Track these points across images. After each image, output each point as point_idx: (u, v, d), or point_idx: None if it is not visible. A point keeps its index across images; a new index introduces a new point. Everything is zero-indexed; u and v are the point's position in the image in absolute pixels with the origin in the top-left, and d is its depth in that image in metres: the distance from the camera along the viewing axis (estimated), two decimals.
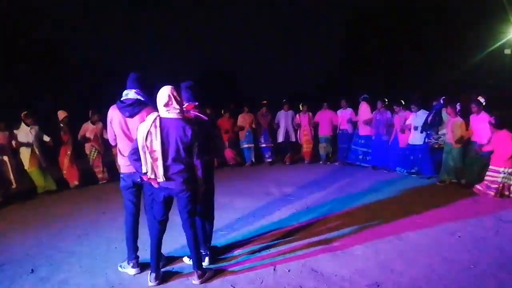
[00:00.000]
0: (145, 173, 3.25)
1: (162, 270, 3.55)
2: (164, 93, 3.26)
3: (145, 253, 3.72)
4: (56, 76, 15.94)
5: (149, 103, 3.56)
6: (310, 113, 9.55)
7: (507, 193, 5.74)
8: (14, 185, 7.00)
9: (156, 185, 3.31)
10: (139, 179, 3.49)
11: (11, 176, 6.97)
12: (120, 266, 3.70)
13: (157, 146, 3.18)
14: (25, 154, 7.14)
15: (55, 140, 7.52)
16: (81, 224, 5.25)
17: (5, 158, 6.93)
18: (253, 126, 9.53)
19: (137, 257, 3.67)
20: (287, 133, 9.58)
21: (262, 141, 9.69)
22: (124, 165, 3.59)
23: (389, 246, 4.02)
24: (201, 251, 3.60)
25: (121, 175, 3.65)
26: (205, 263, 3.68)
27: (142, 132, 3.21)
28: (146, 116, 3.40)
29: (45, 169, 7.35)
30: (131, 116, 3.48)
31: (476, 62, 14.48)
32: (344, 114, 9.17)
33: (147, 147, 3.19)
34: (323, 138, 9.45)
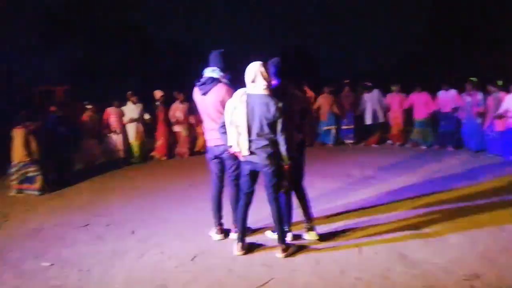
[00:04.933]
0: (231, 146, 3.37)
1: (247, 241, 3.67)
2: (251, 69, 3.29)
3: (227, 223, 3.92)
4: (143, 58, 16.99)
5: (225, 79, 3.62)
6: (402, 94, 8.86)
7: None
8: (122, 155, 7.95)
9: (242, 159, 3.41)
10: (220, 153, 3.65)
11: (121, 147, 7.92)
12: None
13: (242, 121, 3.25)
14: (130, 129, 8.02)
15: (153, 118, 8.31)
16: (172, 194, 5.68)
17: (117, 131, 7.89)
18: (335, 107, 9.19)
19: (221, 224, 3.89)
20: (374, 114, 9.08)
21: (345, 122, 9.35)
22: (207, 138, 3.82)
23: (490, 237, 3.65)
24: (285, 228, 3.62)
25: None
26: (288, 239, 3.71)
27: (229, 107, 3.32)
28: (218, 93, 3.53)
29: (143, 144, 8.22)
30: (205, 93, 3.62)
31: None
32: (446, 97, 8.24)
33: (233, 122, 3.28)
34: (418, 122, 8.67)
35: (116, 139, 7.90)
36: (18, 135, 5.91)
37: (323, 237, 3.72)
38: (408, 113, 8.94)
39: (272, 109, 3.20)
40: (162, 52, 17.07)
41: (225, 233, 3.89)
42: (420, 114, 8.60)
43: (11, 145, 5.97)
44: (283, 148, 3.29)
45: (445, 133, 8.38)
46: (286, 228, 3.70)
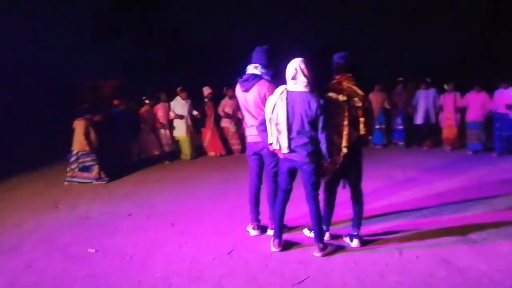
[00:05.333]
0: (271, 144, 3.36)
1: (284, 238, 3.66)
2: (292, 66, 3.27)
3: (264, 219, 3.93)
4: (182, 56, 17.30)
5: (267, 76, 3.61)
6: (458, 93, 8.20)
7: None
8: (168, 149, 8.15)
9: (281, 156, 3.40)
10: (260, 150, 3.66)
11: (167, 142, 8.13)
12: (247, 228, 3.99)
13: (282, 118, 3.23)
14: (180, 124, 8.14)
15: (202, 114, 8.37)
16: (211, 189, 5.80)
17: (165, 126, 8.11)
18: (386, 106, 8.84)
19: (258, 220, 3.91)
20: (427, 114, 8.57)
21: (399, 122, 9.01)
22: (247, 135, 3.85)
23: None
24: (323, 227, 3.57)
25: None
26: (326, 238, 3.65)
27: (269, 105, 3.31)
28: (259, 90, 3.52)
29: (193, 140, 8.35)
30: (247, 90, 3.63)
31: None
32: (504, 95, 7.47)
33: (273, 119, 3.27)
34: (472, 124, 7.98)
35: (164, 134, 8.11)
36: (79, 126, 6.35)
37: (363, 242, 3.60)
38: (462, 114, 8.28)
39: (314, 106, 3.16)
40: (202, 50, 17.38)
41: (262, 229, 3.91)
42: (474, 116, 7.91)
43: (72, 135, 6.39)
44: (323, 146, 3.24)
45: (501, 137, 7.62)
46: (324, 228, 3.65)
